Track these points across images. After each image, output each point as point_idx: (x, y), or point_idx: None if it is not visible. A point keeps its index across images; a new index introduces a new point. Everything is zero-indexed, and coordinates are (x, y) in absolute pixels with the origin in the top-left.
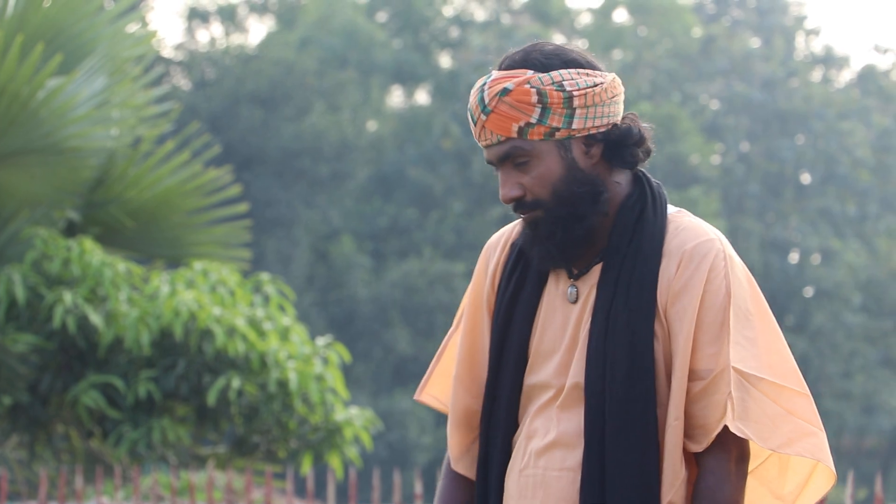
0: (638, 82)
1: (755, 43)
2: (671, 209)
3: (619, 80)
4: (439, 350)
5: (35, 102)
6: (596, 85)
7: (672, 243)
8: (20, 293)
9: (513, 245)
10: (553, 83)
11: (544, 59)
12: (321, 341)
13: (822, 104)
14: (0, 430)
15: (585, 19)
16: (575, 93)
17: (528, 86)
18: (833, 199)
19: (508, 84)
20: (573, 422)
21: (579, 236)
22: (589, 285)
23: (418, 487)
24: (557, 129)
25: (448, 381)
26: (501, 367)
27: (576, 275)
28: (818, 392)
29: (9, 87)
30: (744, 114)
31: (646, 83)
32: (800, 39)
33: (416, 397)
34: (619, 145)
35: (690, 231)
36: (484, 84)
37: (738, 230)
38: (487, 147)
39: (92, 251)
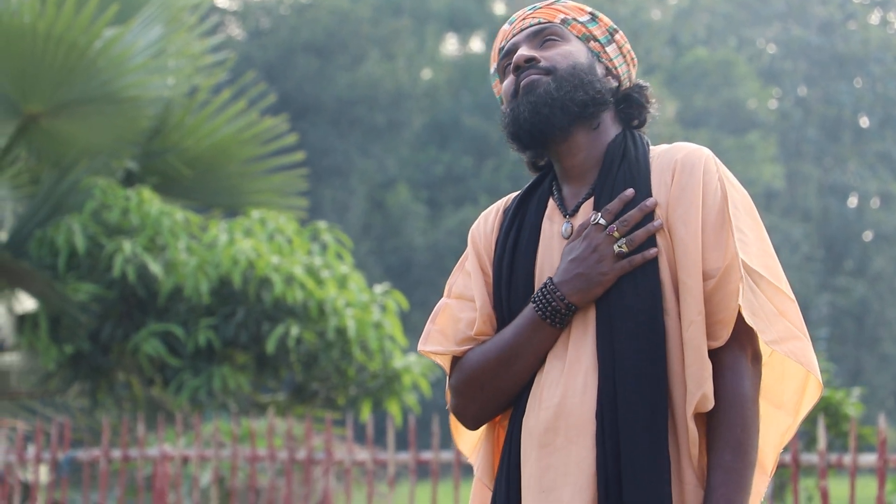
0: (694, 27)
1: None
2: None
3: (635, 62)
4: (432, 314)
5: (92, 52)
6: (630, 50)
7: (660, 160)
8: (80, 243)
9: (504, 211)
10: (603, 17)
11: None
12: (379, 289)
13: (880, 47)
14: (62, 378)
15: None
16: (617, 34)
17: (584, 4)
18: (892, 143)
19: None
20: (586, 346)
21: (570, 108)
22: (581, 221)
23: None
24: (595, 40)
25: (445, 339)
26: (512, 310)
27: (569, 212)
28: (877, 336)
29: (66, 36)
30: (801, 58)
31: (702, 28)
32: None
33: (419, 349)
34: (632, 99)
35: (676, 146)
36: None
37: (796, 175)
38: (522, 31)
39: (150, 200)
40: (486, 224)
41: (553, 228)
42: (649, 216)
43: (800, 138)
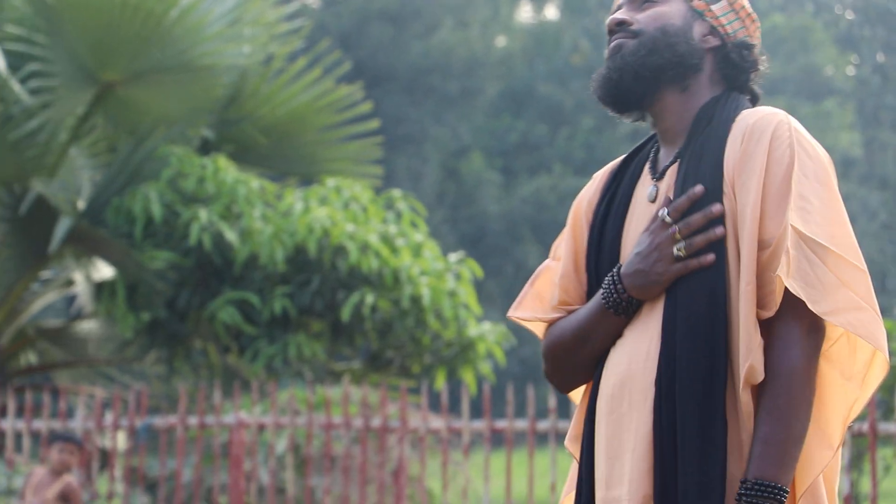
0: None
1: None
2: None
3: (757, 23)
4: (532, 276)
5: (168, 21)
6: (745, 6)
7: (738, 125)
8: (157, 211)
9: (610, 173)
10: None
11: None
12: (453, 257)
13: None
14: (139, 345)
15: None
16: None
17: None
18: None
19: None
20: (655, 312)
21: (642, 74)
22: (666, 185)
23: (552, 402)
24: None
25: (540, 303)
26: (599, 276)
27: (657, 175)
28: None
29: (143, 5)
30: (879, 24)
31: None
32: None
33: (509, 314)
34: (730, 59)
35: (754, 111)
36: None
37: (873, 142)
38: None
39: (226, 168)
40: (591, 187)
41: (644, 193)
42: (718, 188)
43: (877, 105)
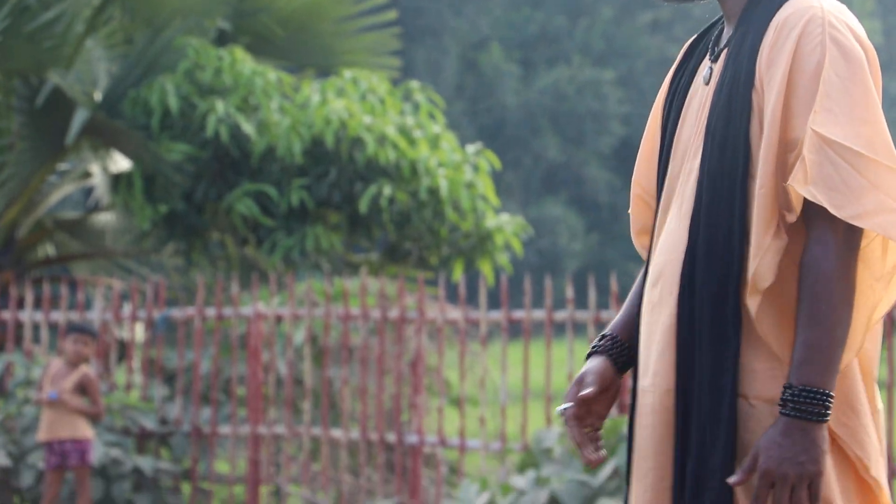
0: None
1: None
2: None
3: None
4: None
5: None
6: None
7: (779, 15)
8: (173, 102)
9: (687, 48)
10: None
11: None
12: (471, 149)
13: None
14: (157, 237)
15: None
16: None
17: None
18: None
19: None
20: (686, 205)
21: None
22: (720, 66)
23: (569, 293)
24: None
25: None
26: (661, 157)
27: (714, 57)
28: None
29: None
30: None
31: None
32: None
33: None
34: None
35: (797, 3)
36: None
37: (894, 30)
38: None
39: (243, 60)
40: (676, 61)
41: (702, 73)
42: (749, 81)
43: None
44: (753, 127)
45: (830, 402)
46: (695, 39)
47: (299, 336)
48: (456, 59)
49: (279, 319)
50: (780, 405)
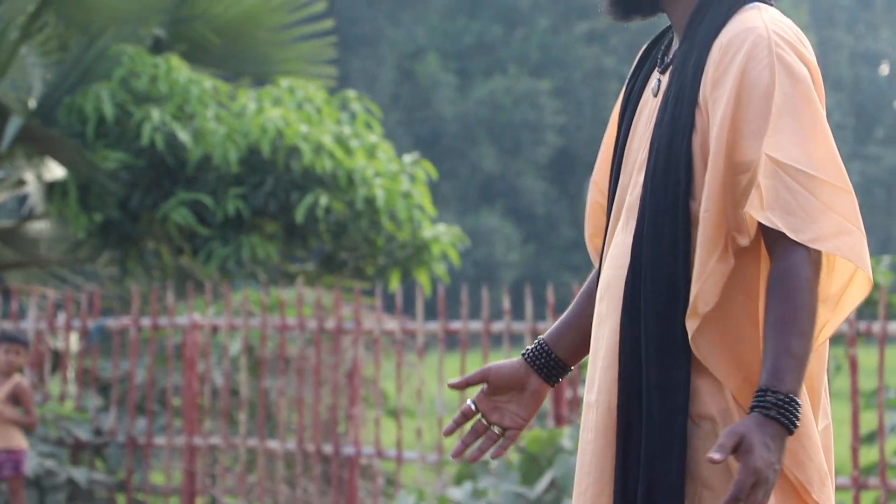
0: None
1: None
2: (752, 5)
3: None
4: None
5: None
6: None
7: (724, 35)
8: (108, 110)
9: (641, 55)
10: None
11: None
12: (408, 159)
13: None
14: (92, 246)
15: None
16: None
17: None
18: None
19: None
20: (632, 221)
21: None
22: (667, 80)
23: (506, 304)
24: None
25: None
26: (614, 164)
27: (662, 68)
28: None
29: None
30: None
31: None
32: None
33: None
34: None
35: (738, 22)
36: None
37: (827, 43)
38: None
39: (179, 68)
40: (632, 66)
41: (651, 85)
42: (692, 100)
43: (831, 5)
44: (695, 147)
45: (800, 410)
46: (650, 44)
47: (235, 346)
48: (392, 69)
49: (215, 329)
50: (761, 407)
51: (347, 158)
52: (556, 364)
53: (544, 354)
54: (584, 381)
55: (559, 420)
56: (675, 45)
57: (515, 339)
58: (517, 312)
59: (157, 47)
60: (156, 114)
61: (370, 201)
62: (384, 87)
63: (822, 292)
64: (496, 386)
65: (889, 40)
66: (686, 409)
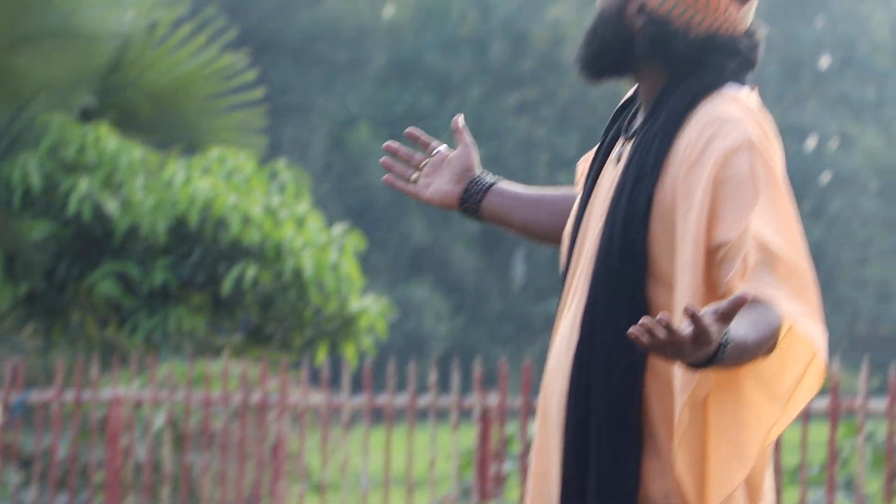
0: None
1: None
2: (725, 88)
3: (724, 4)
4: None
5: None
6: None
7: (698, 117)
8: (36, 180)
9: (615, 112)
10: None
11: None
12: (337, 229)
13: None
14: (16, 317)
15: None
16: None
17: None
18: (851, 84)
19: None
20: (579, 305)
21: (591, 56)
22: (627, 155)
23: (433, 377)
24: None
25: None
26: (574, 228)
27: (627, 136)
28: (833, 279)
29: None
30: None
31: None
32: None
33: None
34: (662, 39)
35: (716, 106)
36: None
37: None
38: None
39: (107, 137)
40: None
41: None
42: (653, 178)
43: (759, 78)
44: (653, 231)
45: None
46: (624, 102)
47: (159, 420)
48: (324, 138)
49: (139, 403)
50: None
51: (276, 229)
52: (476, 203)
53: (482, 185)
54: (510, 456)
55: (484, 495)
56: (641, 116)
57: (442, 414)
58: (443, 385)
59: (87, 115)
60: (83, 183)
61: (298, 273)
62: (316, 155)
63: (774, 389)
64: (445, 161)
65: (816, 113)
66: (635, 495)
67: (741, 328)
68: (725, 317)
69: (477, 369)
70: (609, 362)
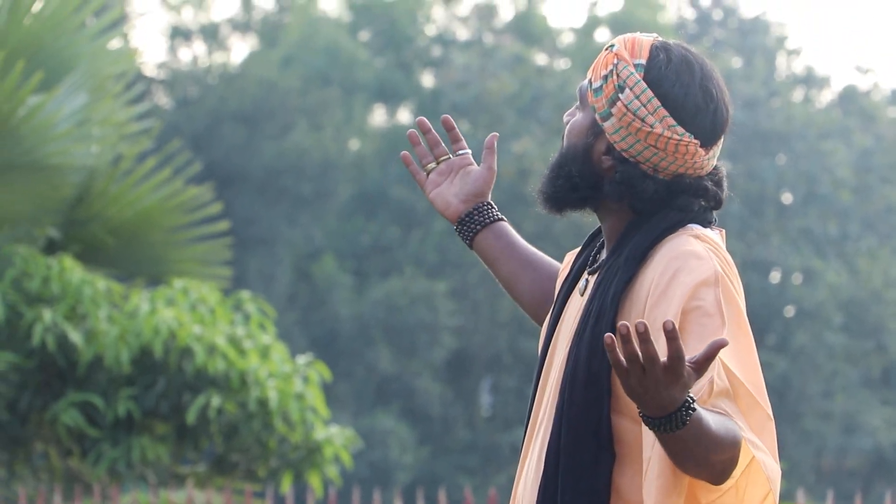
0: None
1: (737, 63)
2: (687, 228)
3: (692, 150)
4: None
5: (16, 119)
6: (646, 124)
7: (660, 255)
8: None
9: (583, 244)
10: (619, 79)
11: (661, 65)
12: (302, 359)
13: (803, 124)
14: None
15: (568, 38)
16: (616, 105)
17: (616, 61)
18: (814, 219)
19: (616, 43)
20: (542, 435)
21: (556, 192)
22: (591, 290)
23: None
24: (596, 111)
25: None
26: (540, 361)
27: (592, 269)
28: (799, 412)
29: None
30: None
31: None
32: (781, 60)
33: None
34: (631, 181)
35: (679, 244)
36: (627, 34)
37: None
38: None
39: (72, 269)
40: (567, 261)
41: (580, 283)
42: (612, 317)
43: (723, 213)
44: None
45: (690, 413)
46: (594, 232)
47: None
48: (289, 270)
49: None
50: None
51: (240, 359)
52: (473, 232)
53: (485, 218)
54: None
55: None
56: (605, 253)
57: None
58: None
59: (51, 248)
60: (47, 314)
61: (263, 403)
62: (280, 287)
63: None
64: (463, 170)
65: (779, 248)
66: None
67: (707, 413)
68: (699, 366)
69: (442, 499)
70: (575, 489)
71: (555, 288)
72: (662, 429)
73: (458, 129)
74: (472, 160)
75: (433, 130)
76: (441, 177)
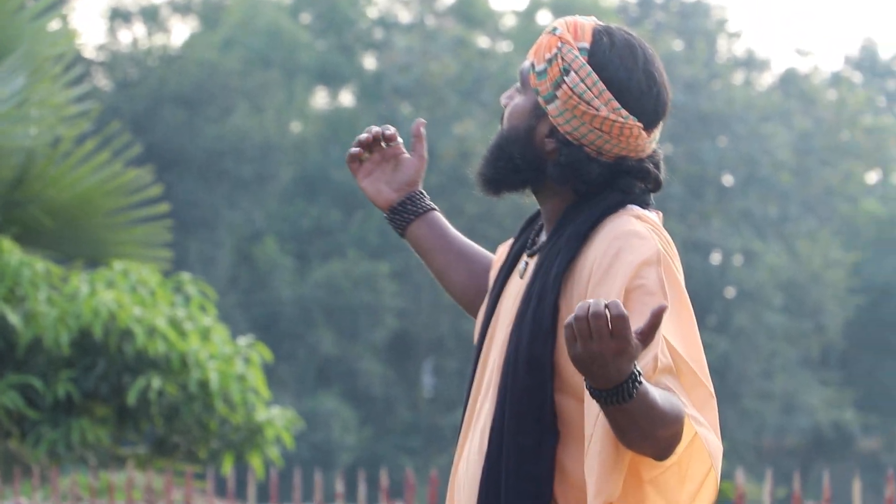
0: None
1: (678, 46)
2: (627, 209)
3: (636, 133)
4: None
5: None
6: (591, 107)
7: (601, 236)
8: None
9: (517, 233)
10: (564, 63)
11: (605, 49)
12: (242, 341)
13: (743, 106)
14: None
15: (510, 21)
16: (561, 88)
17: (560, 44)
18: (754, 201)
19: (558, 27)
20: (486, 412)
21: (496, 174)
22: (531, 271)
23: (340, 487)
24: (539, 94)
25: None
26: (479, 341)
27: (531, 252)
28: (739, 392)
29: None
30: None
31: None
32: (722, 42)
33: None
34: (575, 163)
35: (620, 224)
36: (567, 17)
37: None
38: None
39: (10, 251)
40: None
41: (520, 266)
42: (555, 296)
43: (664, 195)
44: (561, 343)
45: (636, 386)
46: (529, 219)
47: None
48: (230, 252)
49: None
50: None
51: (181, 341)
52: (405, 222)
53: (418, 208)
54: None
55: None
56: (545, 233)
57: None
58: (351, 496)
59: None
60: None
61: (204, 384)
62: (222, 269)
63: (673, 499)
64: (395, 159)
65: (720, 229)
66: None
67: (652, 388)
68: (645, 335)
69: (383, 480)
70: (518, 472)
71: (489, 280)
72: (610, 401)
73: (395, 132)
74: (404, 149)
75: (385, 131)
76: (373, 165)
